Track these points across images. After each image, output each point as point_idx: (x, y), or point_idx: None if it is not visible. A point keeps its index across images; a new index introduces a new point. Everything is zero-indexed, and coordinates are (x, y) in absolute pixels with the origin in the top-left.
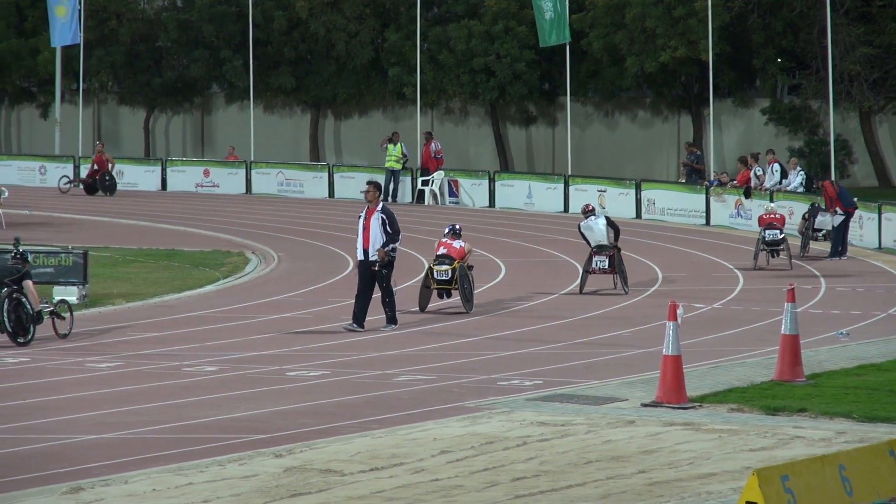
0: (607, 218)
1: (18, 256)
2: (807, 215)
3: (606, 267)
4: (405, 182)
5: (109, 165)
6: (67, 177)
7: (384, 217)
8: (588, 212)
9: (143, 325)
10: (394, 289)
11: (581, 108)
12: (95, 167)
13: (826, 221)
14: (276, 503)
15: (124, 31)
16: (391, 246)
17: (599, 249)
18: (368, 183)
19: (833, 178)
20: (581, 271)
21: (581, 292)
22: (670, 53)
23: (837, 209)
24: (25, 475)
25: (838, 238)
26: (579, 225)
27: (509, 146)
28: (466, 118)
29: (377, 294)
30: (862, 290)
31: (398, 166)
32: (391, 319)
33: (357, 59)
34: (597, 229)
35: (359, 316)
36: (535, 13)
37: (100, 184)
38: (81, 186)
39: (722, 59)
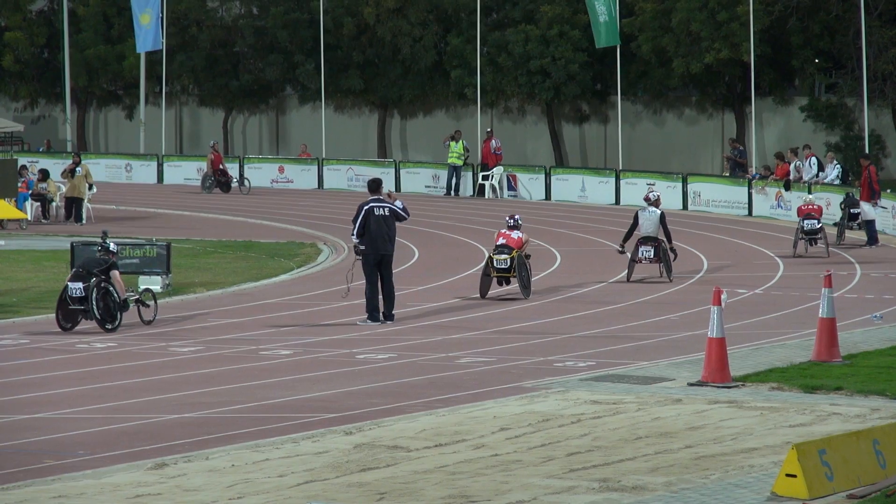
0: (663, 216)
1: (105, 249)
2: (843, 205)
3: (652, 256)
4: (467, 177)
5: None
6: (210, 178)
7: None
8: (650, 201)
9: (223, 312)
10: (347, 286)
11: (631, 106)
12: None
13: (868, 212)
14: (346, 477)
15: (204, 38)
16: (401, 204)
17: (645, 240)
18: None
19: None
20: (629, 261)
21: (629, 280)
22: (714, 55)
23: (876, 201)
24: (114, 451)
25: (874, 227)
26: (637, 211)
27: (564, 143)
28: (524, 117)
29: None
30: (895, 275)
31: (460, 162)
32: (378, 314)
33: (421, 62)
34: (649, 221)
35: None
36: (590, 16)
37: (220, 182)
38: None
39: (763, 60)
